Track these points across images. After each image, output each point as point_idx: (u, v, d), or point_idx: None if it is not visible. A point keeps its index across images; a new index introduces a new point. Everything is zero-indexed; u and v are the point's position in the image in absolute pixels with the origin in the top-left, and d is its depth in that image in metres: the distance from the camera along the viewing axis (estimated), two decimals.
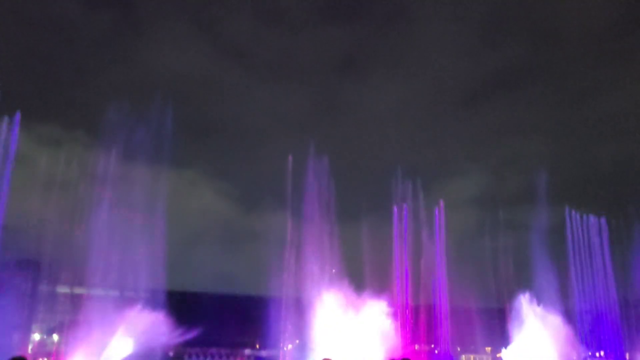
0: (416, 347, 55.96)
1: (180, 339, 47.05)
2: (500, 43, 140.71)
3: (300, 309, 49.04)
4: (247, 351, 59.70)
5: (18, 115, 42.30)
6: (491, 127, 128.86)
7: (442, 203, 56.57)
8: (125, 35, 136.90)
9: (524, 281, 53.51)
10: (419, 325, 53.67)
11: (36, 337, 52.46)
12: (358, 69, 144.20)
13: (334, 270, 52.00)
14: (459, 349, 54.81)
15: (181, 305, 49.60)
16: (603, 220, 60.32)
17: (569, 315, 55.14)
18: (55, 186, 44.13)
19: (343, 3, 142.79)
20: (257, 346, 60.01)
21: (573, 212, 59.98)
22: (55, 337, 53.40)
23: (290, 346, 52.09)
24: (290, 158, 52.33)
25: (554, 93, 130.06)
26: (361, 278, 53.44)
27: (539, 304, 51.74)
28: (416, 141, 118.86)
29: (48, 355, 48.58)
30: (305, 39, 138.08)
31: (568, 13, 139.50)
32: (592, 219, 60.30)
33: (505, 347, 51.41)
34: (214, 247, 53.05)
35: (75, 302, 44.86)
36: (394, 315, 50.84)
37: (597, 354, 59.80)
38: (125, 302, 45.91)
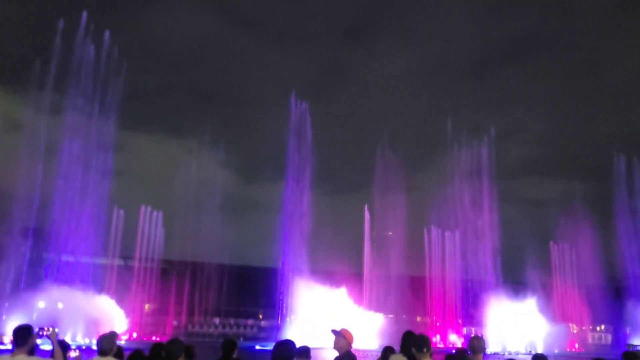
0: (418, 319, 56.39)
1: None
2: (509, 14, 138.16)
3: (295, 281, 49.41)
4: (250, 321, 60.13)
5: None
6: (495, 99, 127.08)
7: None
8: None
9: (523, 255, 53.54)
10: (420, 297, 53.89)
11: (41, 305, 52.71)
12: (365, 38, 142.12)
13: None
14: (460, 321, 55.15)
15: (183, 275, 49.82)
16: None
17: (568, 290, 55.38)
18: (57, 154, 43.97)
19: None
20: (260, 316, 60.47)
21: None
22: (60, 305, 53.71)
23: (293, 317, 52.47)
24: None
25: (560, 65, 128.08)
26: (360, 248, 53.65)
27: (538, 279, 51.91)
28: (420, 111, 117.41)
29: (53, 323, 48.98)
30: (313, 6, 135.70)
31: None
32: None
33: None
34: (215, 217, 52.97)
35: (79, 270, 45.04)
36: (394, 287, 51.06)
37: (598, 328, 60.31)
38: (128, 271, 46.11)
